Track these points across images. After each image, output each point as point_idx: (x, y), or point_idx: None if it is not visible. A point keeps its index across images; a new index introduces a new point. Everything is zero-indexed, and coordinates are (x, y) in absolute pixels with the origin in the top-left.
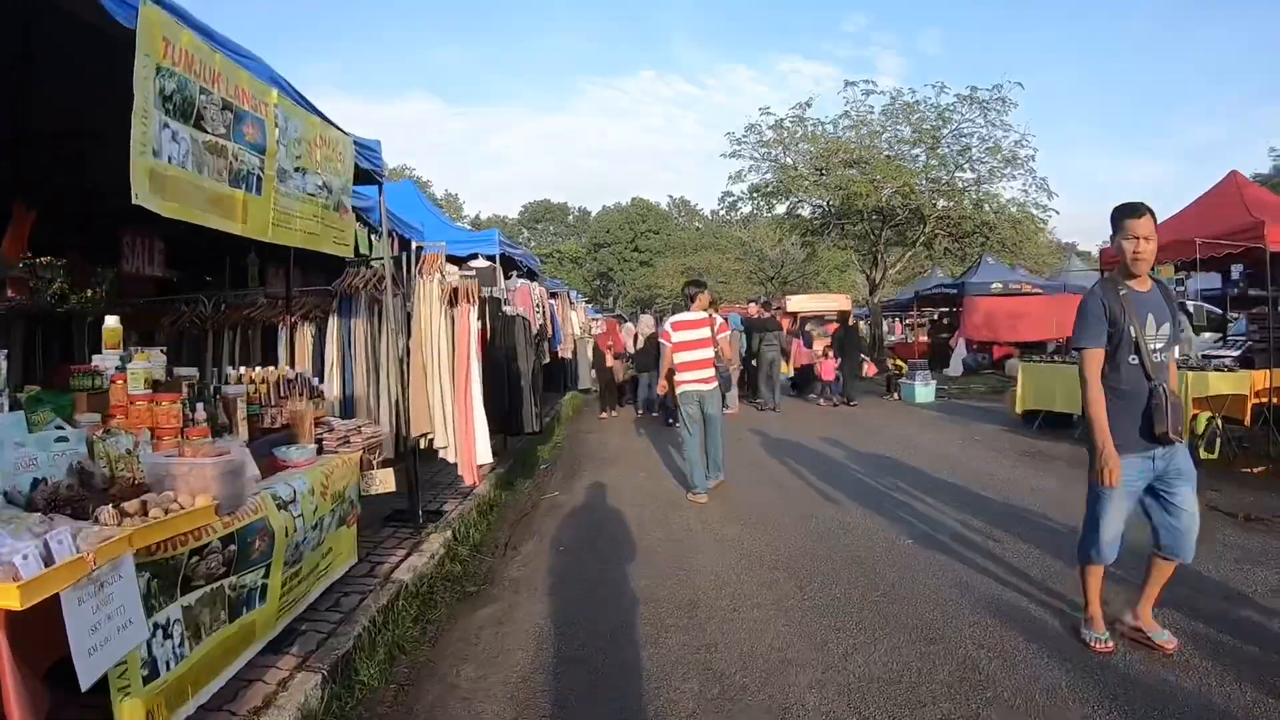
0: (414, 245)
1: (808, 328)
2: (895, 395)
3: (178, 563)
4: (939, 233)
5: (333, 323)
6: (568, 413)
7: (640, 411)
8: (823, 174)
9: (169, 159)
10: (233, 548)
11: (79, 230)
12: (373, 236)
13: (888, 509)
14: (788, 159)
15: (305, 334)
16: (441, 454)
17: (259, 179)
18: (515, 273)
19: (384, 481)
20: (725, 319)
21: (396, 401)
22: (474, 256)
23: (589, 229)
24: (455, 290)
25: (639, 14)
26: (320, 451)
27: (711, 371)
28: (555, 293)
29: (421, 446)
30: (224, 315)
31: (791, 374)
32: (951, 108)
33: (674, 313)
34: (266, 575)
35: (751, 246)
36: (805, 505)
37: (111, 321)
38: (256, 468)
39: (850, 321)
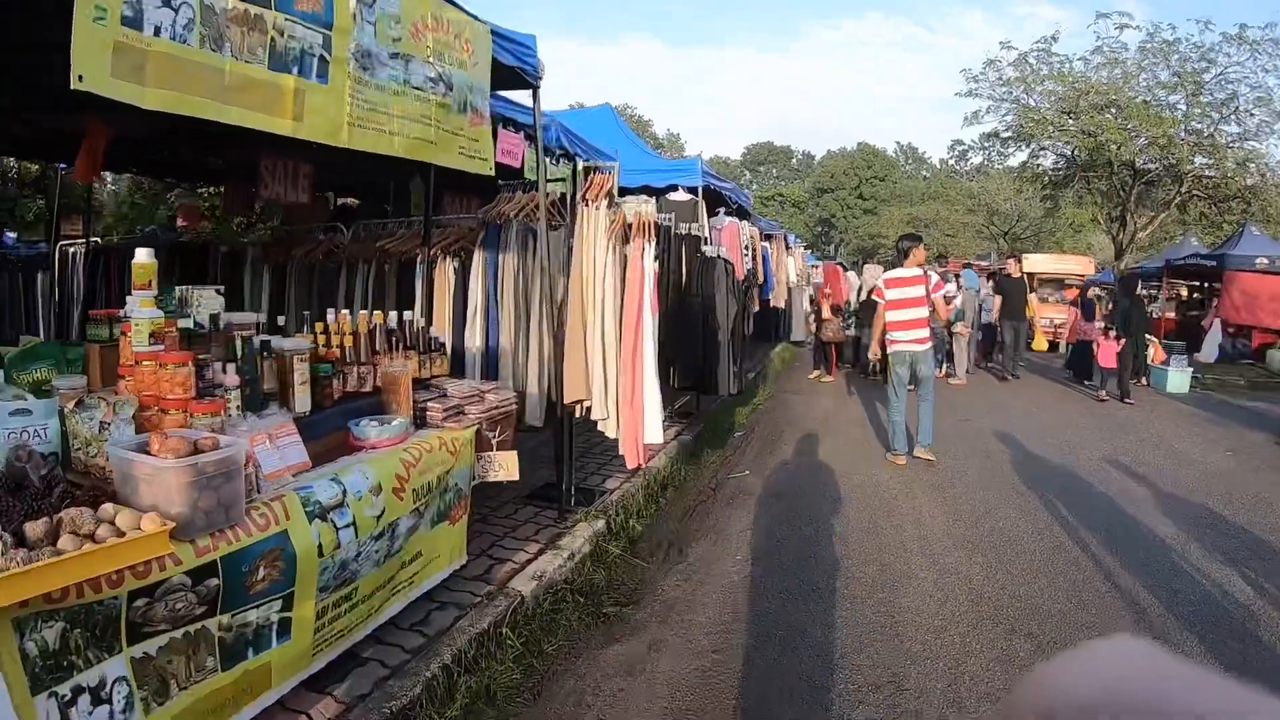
0: (579, 164)
1: (1091, 293)
2: (1143, 380)
3: (112, 608)
4: (1195, 194)
5: (478, 259)
6: (776, 368)
7: (860, 373)
8: (1070, 118)
9: (156, 30)
10: (214, 581)
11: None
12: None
13: (1156, 555)
14: (1030, 100)
15: (446, 271)
16: (600, 426)
17: (323, 62)
18: (722, 209)
19: (505, 467)
20: (942, 277)
21: (549, 360)
22: (673, 189)
23: (812, 173)
24: (628, 223)
25: None
26: (421, 425)
27: (925, 332)
28: (770, 234)
29: (577, 416)
30: (357, 249)
31: (1066, 352)
32: (1216, 48)
33: (890, 268)
34: (289, 607)
35: (982, 199)
36: (1052, 531)
37: (142, 255)
38: (281, 458)
39: (1137, 289)
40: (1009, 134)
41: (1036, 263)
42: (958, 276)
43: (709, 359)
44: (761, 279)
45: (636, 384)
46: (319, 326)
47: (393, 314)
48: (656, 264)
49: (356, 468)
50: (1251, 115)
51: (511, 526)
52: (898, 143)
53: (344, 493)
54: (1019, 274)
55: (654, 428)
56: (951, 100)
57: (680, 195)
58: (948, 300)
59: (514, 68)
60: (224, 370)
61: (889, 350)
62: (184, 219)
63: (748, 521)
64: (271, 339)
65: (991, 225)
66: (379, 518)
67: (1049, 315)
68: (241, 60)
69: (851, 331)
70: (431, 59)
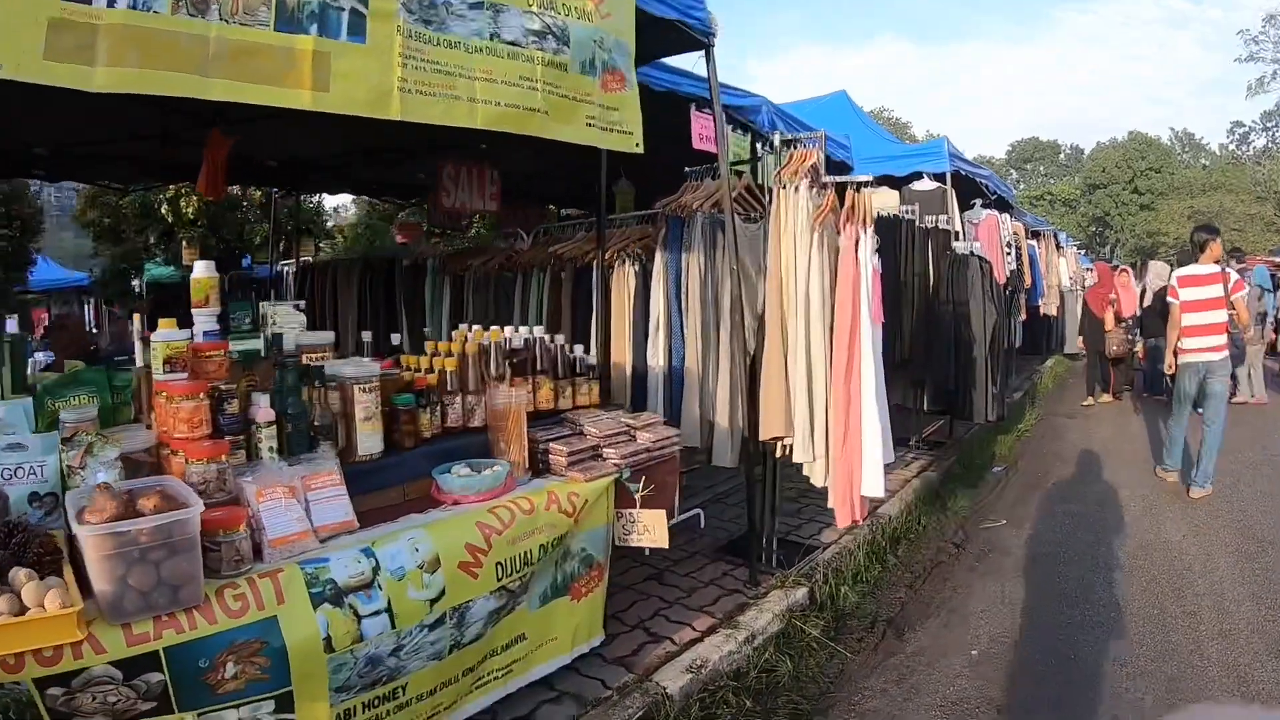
0: (777, 139)
1: None
2: None
3: (20, 693)
4: None
5: (659, 261)
6: (1046, 385)
7: (1146, 394)
8: None
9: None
10: (157, 676)
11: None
12: (758, 145)
13: None
14: None
15: (625, 278)
16: (805, 471)
17: (356, 16)
18: (978, 201)
19: (650, 530)
20: (1243, 275)
21: (742, 383)
22: (917, 177)
23: (1082, 168)
24: (840, 209)
25: None
26: (543, 472)
27: (1223, 338)
28: (1037, 232)
29: (778, 455)
30: (532, 256)
31: None
32: None
33: (1180, 265)
34: (287, 708)
35: (1271, 186)
36: None
37: (199, 269)
38: (311, 516)
39: None
40: None
41: None
42: (1242, 275)
43: (963, 378)
44: (1029, 282)
45: (852, 417)
46: (429, 347)
47: (523, 330)
48: (878, 259)
49: (407, 535)
50: None
51: (689, 589)
52: (1172, 129)
53: (375, 569)
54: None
55: (874, 476)
56: (1227, 75)
57: (925, 184)
58: (1246, 304)
59: (674, 21)
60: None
61: (1179, 361)
62: (404, 236)
63: (995, 594)
64: (332, 363)
65: None
66: (434, 601)
67: None
68: (234, 23)
69: (1138, 346)
70: (535, 7)
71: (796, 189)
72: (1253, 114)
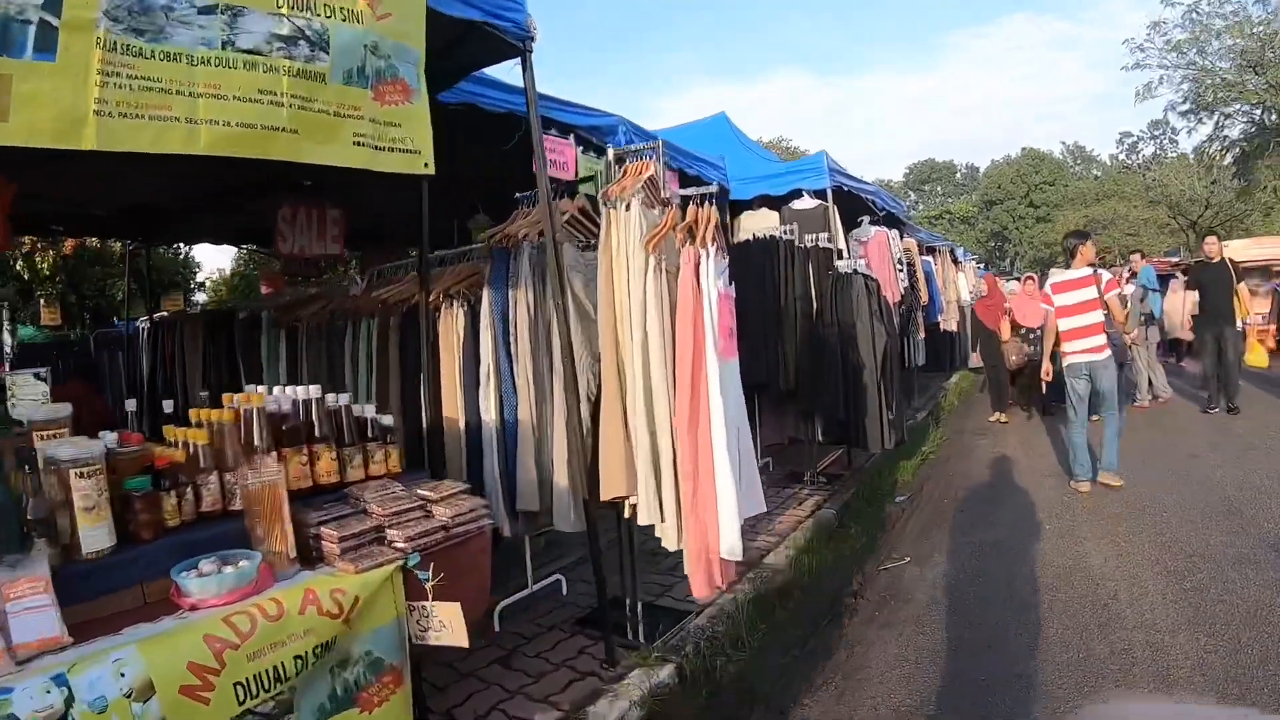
0: (610, 154)
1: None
2: None
3: None
4: None
5: (485, 300)
6: (950, 402)
7: (1054, 404)
8: (1255, 73)
9: None
10: None
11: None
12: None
13: None
14: (1205, 62)
15: (454, 321)
16: (658, 533)
17: (46, 30)
18: (867, 218)
19: (448, 626)
20: (1116, 275)
21: (579, 437)
22: (798, 195)
23: (979, 186)
24: (679, 226)
25: None
26: (317, 561)
27: (1102, 339)
28: (933, 247)
29: (626, 515)
30: (360, 303)
31: None
32: None
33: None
34: None
35: (1162, 190)
36: None
37: None
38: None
39: None
40: (1186, 106)
41: (1234, 249)
42: (1116, 275)
43: (854, 406)
44: (925, 299)
45: (702, 470)
46: (193, 415)
47: (297, 390)
48: (728, 283)
49: (113, 655)
50: None
51: (538, 673)
52: (1063, 143)
53: (69, 700)
54: (1220, 257)
55: (731, 535)
56: (1112, 90)
57: (806, 202)
58: (1121, 304)
59: (480, 24)
60: None
61: (1064, 364)
62: (268, 286)
63: (897, 650)
64: (50, 446)
65: (1176, 219)
66: None
67: (1262, 311)
68: None
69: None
70: (284, 8)
71: (628, 207)
72: (1140, 124)
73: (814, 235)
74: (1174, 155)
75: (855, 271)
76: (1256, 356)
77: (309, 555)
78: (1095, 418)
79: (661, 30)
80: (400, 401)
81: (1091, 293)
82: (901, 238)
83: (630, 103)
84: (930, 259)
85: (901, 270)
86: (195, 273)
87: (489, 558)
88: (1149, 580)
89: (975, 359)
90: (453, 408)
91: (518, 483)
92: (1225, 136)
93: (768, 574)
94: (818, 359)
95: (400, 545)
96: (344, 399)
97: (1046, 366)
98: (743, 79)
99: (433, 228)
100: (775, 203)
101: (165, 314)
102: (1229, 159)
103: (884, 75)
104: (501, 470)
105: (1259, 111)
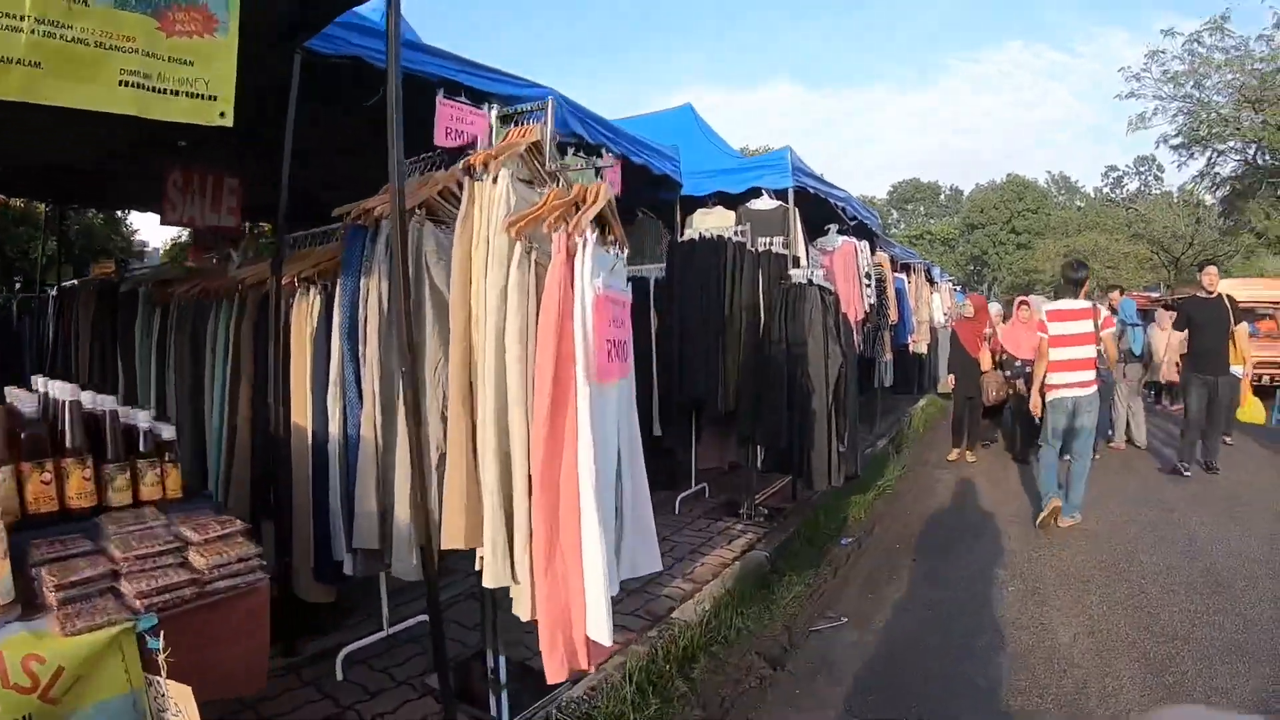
0: (492, 115)
1: None
2: None
3: None
4: None
5: (338, 290)
6: (915, 428)
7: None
8: (1254, 109)
9: None
10: None
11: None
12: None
13: None
14: (1202, 95)
15: (307, 311)
16: (512, 594)
17: None
18: (834, 227)
19: (182, 712)
20: (1113, 312)
21: (422, 466)
22: (756, 194)
23: (961, 209)
24: (556, 205)
25: None
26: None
27: (1092, 374)
28: (907, 264)
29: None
30: (223, 284)
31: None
32: None
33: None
34: None
35: (1144, 225)
36: None
37: None
38: None
39: None
40: (1179, 139)
41: (1228, 289)
42: (1112, 312)
43: (799, 436)
44: (895, 318)
45: (563, 528)
46: None
47: (50, 385)
48: (621, 285)
49: None
50: None
51: None
52: (1049, 172)
53: None
54: (1218, 292)
55: (598, 613)
56: (1101, 125)
57: (764, 202)
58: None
59: None
60: None
61: (1047, 398)
62: (194, 256)
63: None
64: None
65: (1158, 254)
66: None
67: (1264, 354)
68: None
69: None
70: None
71: (495, 180)
72: (1127, 159)
73: (768, 239)
74: (1158, 192)
75: (810, 283)
76: (1252, 410)
77: (35, 600)
78: (1066, 457)
79: (670, 32)
80: (249, 404)
81: (1088, 325)
82: (874, 251)
83: (634, 100)
84: (904, 276)
85: (869, 286)
86: (130, 238)
87: (265, 620)
88: (1123, 669)
89: (948, 383)
90: (301, 415)
91: (356, 513)
92: (1216, 173)
93: (673, 632)
94: (761, 379)
95: (132, 600)
96: (108, 402)
97: (1036, 400)
98: (743, 86)
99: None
100: (733, 202)
101: (72, 282)
102: (1217, 196)
103: (880, 91)
104: (343, 494)
105: (1252, 149)
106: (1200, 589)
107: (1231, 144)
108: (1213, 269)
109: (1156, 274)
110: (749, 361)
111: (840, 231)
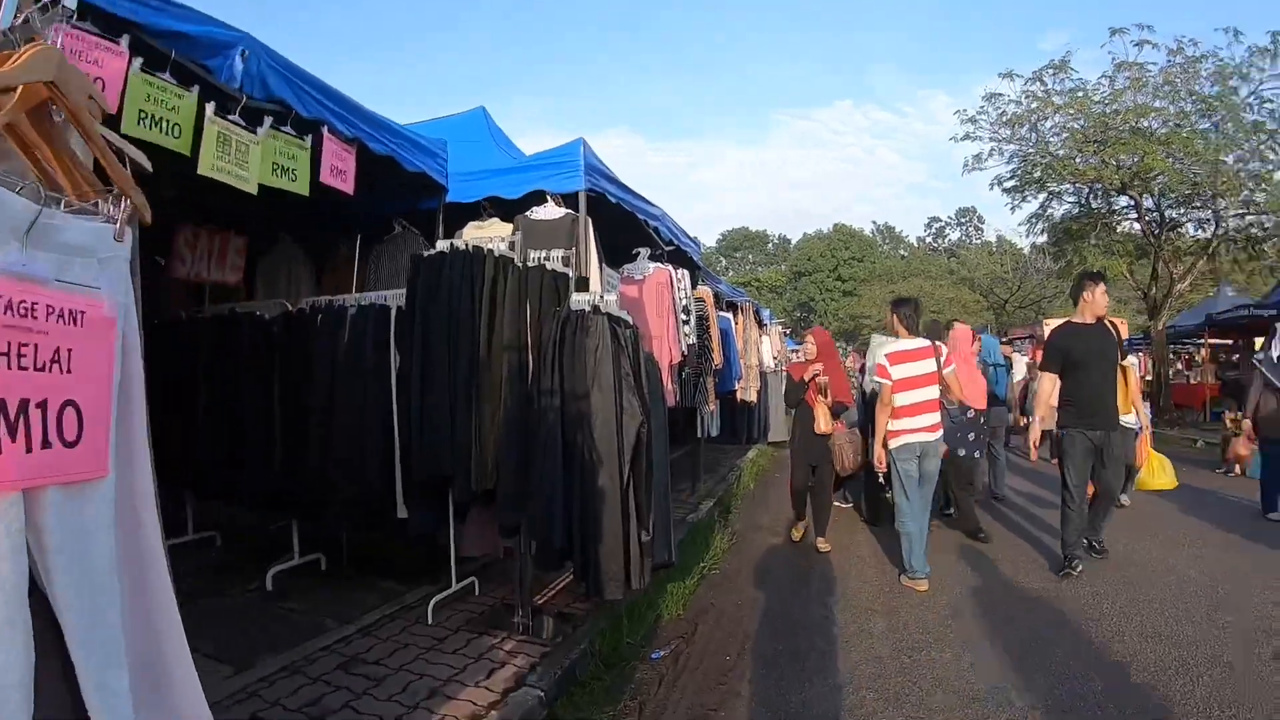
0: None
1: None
2: (1237, 470)
3: None
4: (1234, 237)
5: None
6: (745, 485)
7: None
8: (1089, 152)
9: None
10: None
11: None
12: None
13: None
14: (1038, 136)
15: None
16: None
17: None
18: (645, 251)
19: None
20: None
21: None
22: (541, 201)
23: (789, 257)
24: None
25: (834, 42)
26: None
27: (938, 416)
28: (734, 303)
29: None
30: None
31: None
32: (1247, 64)
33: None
34: None
35: (968, 274)
36: None
37: None
38: None
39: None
40: (1013, 181)
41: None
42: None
43: (581, 525)
44: (720, 362)
45: None
46: None
47: None
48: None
49: None
50: None
51: None
52: (874, 223)
53: None
54: (1104, 318)
55: None
56: (923, 183)
57: (549, 210)
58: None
59: None
60: None
61: (892, 445)
62: None
63: None
64: None
65: (989, 295)
66: None
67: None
68: None
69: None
70: None
71: None
72: (948, 211)
73: (549, 251)
74: (978, 242)
75: (598, 311)
76: (1158, 472)
77: None
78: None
79: (512, 80)
80: None
81: (930, 365)
82: (695, 285)
83: None
84: (730, 316)
85: (688, 323)
86: None
87: None
88: None
89: (782, 430)
90: None
91: None
92: (1049, 215)
93: None
94: (528, 447)
95: None
96: None
97: (880, 452)
98: (584, 133)
99: None
100: (515, 211)
101: None
102: (1045, 240)
103: (715, 144)
104: None
105: (1085, 192)
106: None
107: (1065, 186)
108: (1097, 286)
109: (981, 318)
110: (513, 421)
111: (653, 258)
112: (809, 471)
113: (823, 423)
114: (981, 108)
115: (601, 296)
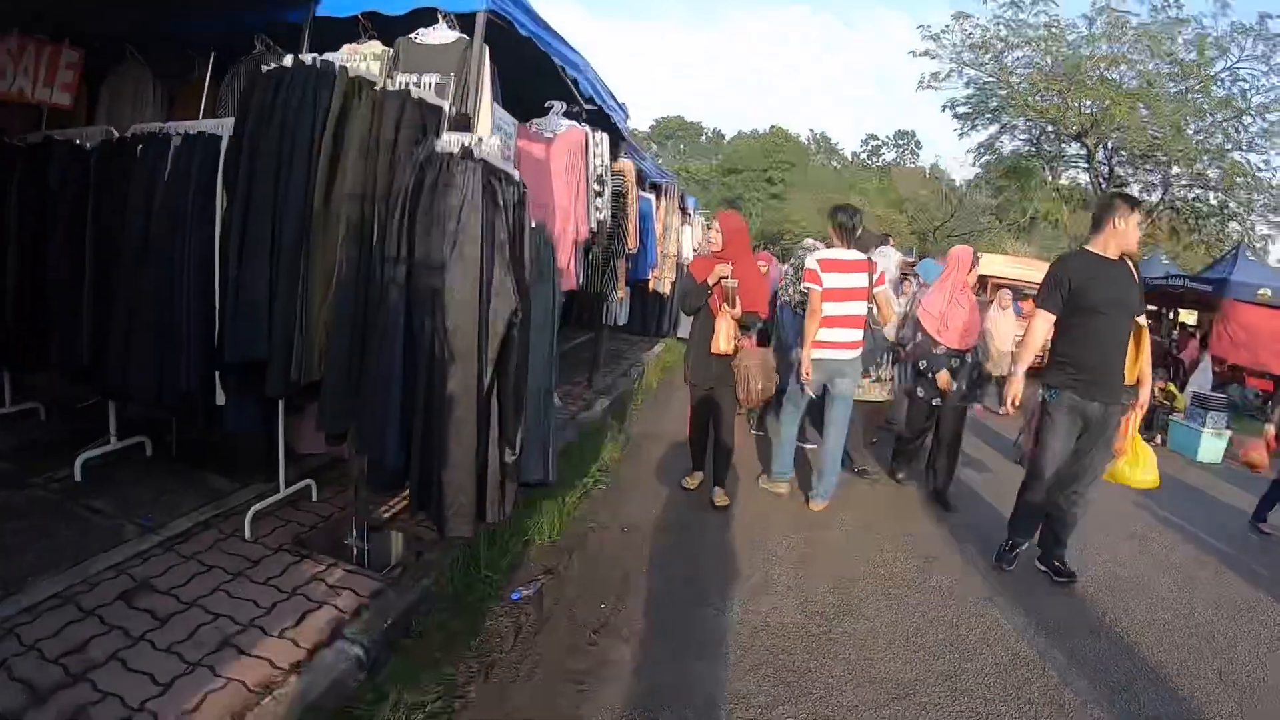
0: None
1: None
2: (1159, 438)
3: None
4: (1179, 206)
5: None
6: (649, 381)
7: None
8: (1063, 89)
9: None
10: None
11: None
12: None
13: None
14: (1004, 67)
15: None
16: None
17: None
18: (560, 105)
19: None
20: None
21: None
22: (432, 22)
23: (722, 152)
24: None
25: None
26: None
27: (860, 334)
28: (658, 184)
29: None
30: None
31: None
32: (1228, 38)
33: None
34: None
35: (901, 197)
36: None
37: None
38: None
39: None
40: (967, 107)
41: (994, 265)
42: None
43: (423, 444)
44: (634, 245)
45: None
46: None
47: None
48: None
49: None
50: (1258, 121)
51: None
52: (811, 130)
53: None
54: (1133, 253)
55: None
56: (867, 95)
57: (439, 34)
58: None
59: None
60: None
61: (805, 355)
62: None
63: None
64: None
65: (917, 220)
66: None
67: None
68: None
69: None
70: None
71: None
72: (887, 131)
73: (411, 79)
74: (913, 165)
75: (469, 156)
76: (1139, 466)
77: None
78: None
79: None
80: None
81: (863, 279)
82: (617, 155)
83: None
84: (652, 198)
85: (600, 196)
86: None
87: None
88: None
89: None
90: None
91: None
92: (998, 149)
93: None
94: (364, 331)
95: None
96: None
97: (808, 363)
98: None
99: None
100: (396, 30)
101: None
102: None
103: (661, 29)
104: None
105: (1039, 131)
106: None
107: (1020, 121)
108: (1135, 215)
109: (908, 241)
110: (347, 297)
111: (569, 115)
112: (710, 406)
113: (723, 339)
114: (947, 26)
115: (480, 140)
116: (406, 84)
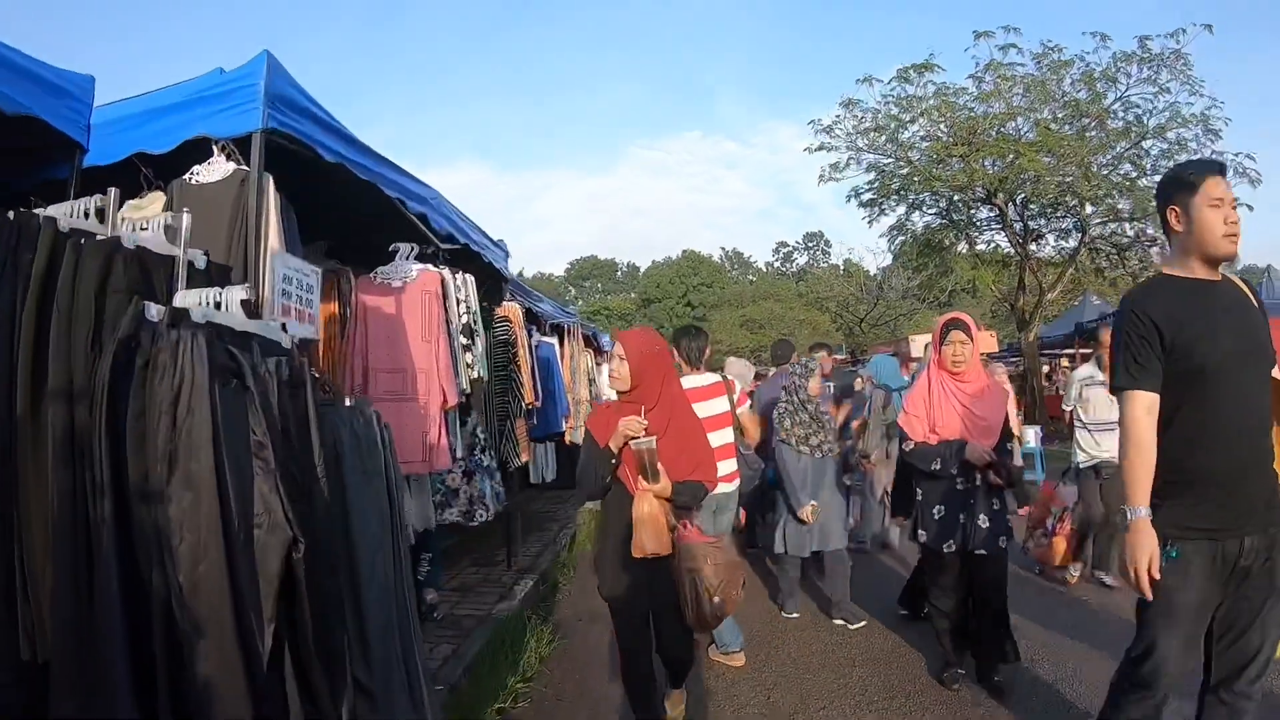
0: None
1: None
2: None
3: None
4: (1098, 246)
5: None
6: (581, 544)
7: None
8: (965, 153)
9: None
10: None
11: None
12: None
13: None
14: (900, 145)
15: None
16: None
17: None
18: (411, 248)
19: None
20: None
21: None
22: (206, 154)
23: (638, 284)
24: None
25: (684, 72)
26: None
27: (733, 464)
28: (559, 325)
29: None
30: None
31: None
32: (1114, 68)
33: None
34: None
35: (820, 297)
36: None
37: None
38: None
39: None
40: (870, 193)
41: (926, 344)
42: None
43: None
44: (531, 398)
45: None
46: None
47: None
48: None
49: None
50: (1163, 140)
51: None
52: (722, 249)
53: None
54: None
55: None
56: (770, 210)
57: (214, 169)
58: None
59: None
60: None
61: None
62: None
63: None
64: None
65: (840, 317)
66: None
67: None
68: None
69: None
70: None
71: None
72: (795, 236)
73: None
74: (826, 265)
75: (184, 323)
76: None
77: None
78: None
79: (360, 106)
80: None
81: (722, 405)
82: (500, 300)
83: None
84: (554, 342)
85: (472, 350)
86: None
87: None
88: None
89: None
90: None
91: None
92: (909, 228)
93: None
94: (90, 589)
95: None
96: None
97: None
98: (430, 164)
99: None
100: (169, 172)
101: None
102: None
103: (562, 174)
104: None
105: (945, 203)
106: None
107: (925, 196)
108: (1221, 183)
109: (833, 338)
110: (64, 541)
111: (424, 258)
112: (645, 633)
113: (648, 535)
114: (838, 116)
115: (211, 300)
116: (136, 229)
